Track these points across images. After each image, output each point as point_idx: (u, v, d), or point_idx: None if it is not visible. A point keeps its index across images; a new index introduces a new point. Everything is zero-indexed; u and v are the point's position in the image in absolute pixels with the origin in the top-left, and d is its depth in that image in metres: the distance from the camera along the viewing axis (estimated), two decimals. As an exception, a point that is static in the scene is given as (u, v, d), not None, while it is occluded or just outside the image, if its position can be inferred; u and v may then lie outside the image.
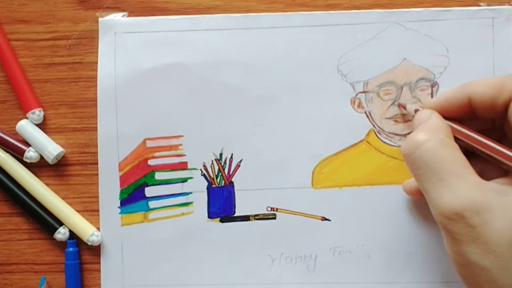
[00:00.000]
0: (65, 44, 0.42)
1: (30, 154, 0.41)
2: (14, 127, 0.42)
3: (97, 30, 0.42)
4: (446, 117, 0.35)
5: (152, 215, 0.42)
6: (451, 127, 0.35)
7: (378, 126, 0.41)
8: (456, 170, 0.31)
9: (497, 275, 0.30)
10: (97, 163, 0.42)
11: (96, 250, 0.42)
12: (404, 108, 0.40)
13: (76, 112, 0.42)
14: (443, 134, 0.33)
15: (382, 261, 0.41)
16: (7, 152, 0.42)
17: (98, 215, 0.42)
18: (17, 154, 0.41)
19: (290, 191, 0.41)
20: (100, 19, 0.42)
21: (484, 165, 0.35)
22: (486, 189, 0.31)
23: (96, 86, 0.42)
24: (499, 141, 0.34)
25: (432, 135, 0.33)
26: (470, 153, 0.35)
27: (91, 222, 0.42)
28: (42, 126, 0.42)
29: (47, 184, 0.42)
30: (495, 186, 0.31)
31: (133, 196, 0.42)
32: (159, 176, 0.42)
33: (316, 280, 0.41)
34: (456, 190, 0.31)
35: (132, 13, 0.42)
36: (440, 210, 0.31)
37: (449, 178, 0.31)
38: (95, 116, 0.42)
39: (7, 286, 0.42)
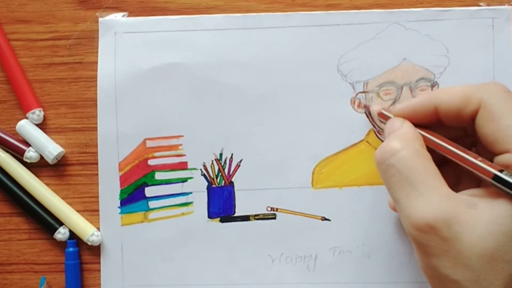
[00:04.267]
0: (65, 44, 0.42)
1: (30, 154, 0.41)
2: (14, 127, 0.42)
3: (97, 30, 0.42)
4: (415, 124, 0.35)
5: (152, 215, 0.42)
6: (422, 135, 0.34)
7: (378, 126, 0.41)
8: (429, 180, 0.31)
9: (469, 287, 0.30)
10: (97, 163, 0.42)
11: (96, 250, 0.42)
12: (368, 109, 0.40)
13: (76, 112, 0.42)
14: (417, 143, 0.33)
15: (382, 261, 0.41)
16: (7, 152, 0.42)
17: (98, 215, 0.42)
18: (17, 154, 0.41)
19: (290, 191, 0.41)
20: (100, 19, 0.42)
21: (459, 174, 0.35)
22: (456, 201, 0.30)
23: (96, 86, 0.42)
24: (473, 146, 0.34)
25: (406, 144, 0.32)
26: (443, 162, 0.34)
27: (91, 222, 0.42)
28: (42, 126, 0.42)
29: (47, 184, 0.42)
30: (465, 198, 0.31)
31: (133, 196, 0.42)
32: (159, 176, 0.42)
33: (316, 280, 0.41)
34: (429, 200, 0.30)
35: (132, 13, 0.42)
36: (412, 220, 0.31)
37: (422, 188, 0.31)
38: (95, 116, 0.42)
39: (7, 286, 0.42)
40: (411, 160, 0.32)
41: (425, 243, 0.30)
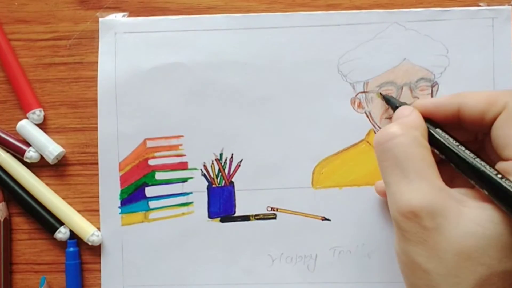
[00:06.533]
0: (65, 44, 0.42)
1: (31, 154, 0.41)
2: (15, 127, 0.42)
3: (97, 30, 0.42)
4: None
5: (152, 215, 0.42)
6: (428, 129, 0.34)
7: (378, 126, 0.41)
8: (422, 170, 0.31)
9: (438, 280, 0.30)
10: (97, 163, 0.42)
11: (96, 250, 0.42)
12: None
13: (76, 112, 0.42)
14: (418, 132, 0.33)
15: (382, 261, 0.41)
16: (8, 152, 0.42)
17: (99, 215, 0.42)
18: (18, 154, 0.42)
19: (290, 191, 0.41)
20: (100, 19, 0.42)
21: (453, 173, 0.35)
22: (446, 194, 0.31)
23: (96, 86, 0.42)
24: (478, 152, 0.33)
25: (407, 131, 0.32)
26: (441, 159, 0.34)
27: (91, 222, 0.42)
28: (42, 126, 0.42)
29: (47, 184, 0.42)
30: (456, 194, 0.31)
31: (133, 196, 0.42)
32: (159, 176, 0.42)
33: (316, 280, 0.41)
34: (417, 189, 0.31)
35: (132, 13, 0.42)
36: (397, 205, 0.31)
37: (413, 176, 0.31)
38: (95, 116, 0.42)
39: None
40: (408, 146, 0.32)
41: (406, 228, 0.31)
